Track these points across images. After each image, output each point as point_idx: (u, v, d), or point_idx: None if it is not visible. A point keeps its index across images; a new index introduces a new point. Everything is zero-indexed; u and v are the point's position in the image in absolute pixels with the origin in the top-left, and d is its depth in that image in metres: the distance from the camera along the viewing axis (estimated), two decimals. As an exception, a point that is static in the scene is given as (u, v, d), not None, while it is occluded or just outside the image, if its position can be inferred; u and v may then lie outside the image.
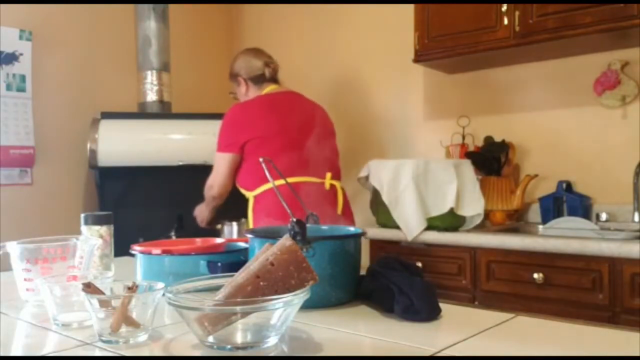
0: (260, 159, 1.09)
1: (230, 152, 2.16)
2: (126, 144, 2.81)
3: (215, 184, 2.22)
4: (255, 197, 2.14)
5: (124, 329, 0.74)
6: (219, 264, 1.03)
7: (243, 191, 2.21)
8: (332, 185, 2.15)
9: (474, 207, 2.17)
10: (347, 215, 2.19)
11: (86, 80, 3.10)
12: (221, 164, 2.18)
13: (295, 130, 2.15)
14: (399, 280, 0.88)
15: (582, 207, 2.26)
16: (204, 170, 2.84)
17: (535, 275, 1.90)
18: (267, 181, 2.07)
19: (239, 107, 2.25)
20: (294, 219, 0.87)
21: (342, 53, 3.18)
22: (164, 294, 0.74)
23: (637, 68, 2.27)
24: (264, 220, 2.05)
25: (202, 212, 2.40)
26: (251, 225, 2.17)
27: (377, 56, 3.06)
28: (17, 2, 2.83)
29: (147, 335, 0.77)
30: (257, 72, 2.33)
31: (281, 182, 1.20)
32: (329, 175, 2.15)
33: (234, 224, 2.48)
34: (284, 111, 2.21)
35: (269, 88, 2.32)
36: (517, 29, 2.20)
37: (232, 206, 2.40)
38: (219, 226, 2.48)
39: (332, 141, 2.31)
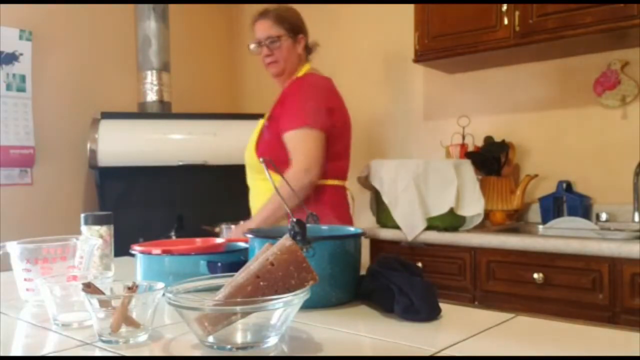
0: (261, 159, 1.08)
1: (321, 129, 1.79)
2: (126, 144, 2.81)
3: (313, 165, 1.75)
4: (326, 187, 1.85)
5: (123, 329, 0.74)
6: (219, 264, 1.03)
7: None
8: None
9: (474, 207, 2.17)
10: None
11: (86, 80, 3.10)
12: (316, 143, 1.77)
13: (350, 127, 2.02)
14: (399, 280, 0.88)
15: (582, 207, 2.26)
16: (204, 170, 2.84)
17: (535, 275, 1.90)
18: (343, 178, 1.96)
19: (326, 80, 1.93)
20: (294, 219, 0.87)
21: (342, 53, 3.18)
22: (164, 294, 0.74)
23: (637, 68, 2.27)
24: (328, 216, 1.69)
25: (273, 215, 1.78)
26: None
27: (377, 56, 3.06)
28: (17, 2, 2.83)
29: (147, 335, 0.77)
30: (309, 40, 2.01)
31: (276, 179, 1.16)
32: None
33: (233, 226, 2.47)
34: (344, 104, 2.01)
35: (308, 67, 2.00)
36: (517, 29, 2.20)
37: (232, 207, 2.41)
38: (217, 229, 2.47)
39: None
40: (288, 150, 1.80)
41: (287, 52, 1.92)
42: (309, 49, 2.00)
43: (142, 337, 0.76)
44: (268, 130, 1.89)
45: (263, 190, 1.88)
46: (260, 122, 1.99)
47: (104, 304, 0.75)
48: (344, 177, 1.99)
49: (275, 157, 1.46)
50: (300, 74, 1.95)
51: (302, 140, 1.77)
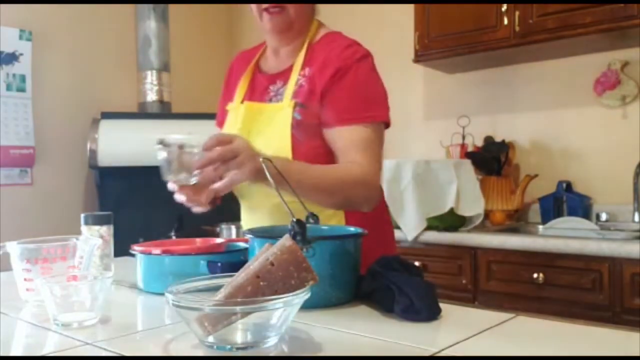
0: (261, 159, 0.95)
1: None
2: (126, 144, 2.81)
3: (379, 167, 1.23)
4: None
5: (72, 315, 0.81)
6: (219, 264, 1.03)
7: None
8: None
9: (474, 207, 2.17)
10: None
11: (86, 80, 3.10)
12: (382, 140, 1.25)
13: None
14: (399, 280, 0.88)
15: (582, 207, 2.26)
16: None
17: (535, 275, 1.90)
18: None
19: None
20: (294, 219, 0.87)
21: (342, 53, 3.17)
22: (163, 294, 0.74)
23: (637, 68, 2.27)
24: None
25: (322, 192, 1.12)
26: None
27: (377, 56, 3.04)
28: (17, 2, 2.83)
29: (97, 319, 0.85)
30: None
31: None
32: None
33: (233, 226, 2.47)
34: None
35: (318, 24, 1.42)
36: (517, 29, 2.20)
37: (232, 207, 2.40)
38: (217, 229, 2.47)
39: None
40: (340, 148, 1.20)
41: (299, 16, 1.29)
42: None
43: (92, 321, 0.84)
44: (304, 130, 1.22)
45: (268, 205, 1.25)
46: (258, 108, 1.29)
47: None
48: None
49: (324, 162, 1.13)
50: (312, 36, 1.34)
51: (372, 141, 1.21)
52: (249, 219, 1.38)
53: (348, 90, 1.23)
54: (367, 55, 1.34)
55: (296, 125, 1.21)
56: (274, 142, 1.20)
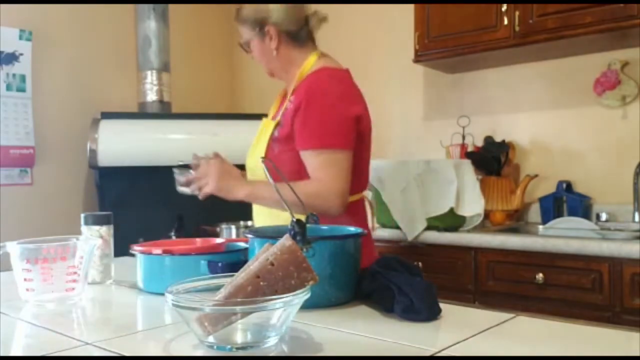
0: (261, 158, 1.05)
1: (350, 149, 1.44)
2: (126, 144, 2.81)
3: (345, 191, 1.41)
4: (350, 204, 1.47)
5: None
6: (219, 264, 1.03)
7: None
8: None
9: (474, 207, 2.17)
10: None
11: (86, 80, 3.10)
12: (346, 164, 1.42)
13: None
14: (399, 280, 0.88)
15: (582, 207, 2.26)
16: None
17: (536, 275, 1.90)
18: (364, 188, 1.59)
19: (343, 75, 1.53)
20: (294, 219, 0.87)
21: (342, 53, 3.17)
22: (163, 294, 0.74)
23: (637, 68, 2.27)
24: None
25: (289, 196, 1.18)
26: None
27: (377, 56, 3.06)
28: (17, 2, 2.83)
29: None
30: (298, 25, 1.54)
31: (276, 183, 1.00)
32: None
33: (233, 227, 2.47)
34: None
35: (316, 55, 1.57)
36: (517, 29, 2.20)
37: (232, 207, 2.40)
38: (217, 229, 2.47)
39: None
40: (308, 168, 1.43)
41: (260, 53, 1.56)
42: (300, 34, 1.55)
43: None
44: (279, 143, 1.48)
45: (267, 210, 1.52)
46: (264, 124, 1.59)
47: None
48: (365, 187, 1.63)
49: (289, 173, 1.32)
50: (307, 68, 1.53)
51: (328, 163, 1.41)
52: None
53: (304, 121, 1.43)
54: (327, 90, 1.47)
55: (273, 140, 1.50)
56: (258, 151, 1.53)
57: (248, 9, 1.55)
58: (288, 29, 1.53)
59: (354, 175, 1.46)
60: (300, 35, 1.56)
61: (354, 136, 1.46)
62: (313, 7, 1.62)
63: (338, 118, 1.43)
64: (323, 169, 1.40)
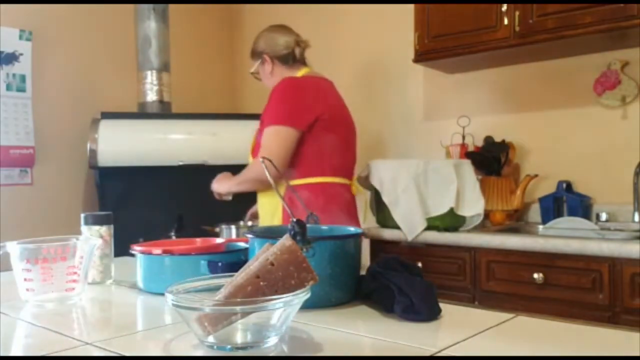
0: (261, 159, 1.07)
1: (294, 126, 1.86)
2: (126, 144, 2.81)
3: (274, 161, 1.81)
4: (306, 186, 1.89)
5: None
6: (219, 264, 1.03)
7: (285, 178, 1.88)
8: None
9: (474, 207, 2.17)
10: (355, 218, 2.14)
11: (86, 80, 3.10)
12: (278, 138, 1.85)
13: (349, 121, 2.06)
14: (399, 280, 0.88)
15: (582, 207, 2.26)
16: (204, 170, 2.84)
17: (535, 275, 1.90)
18: (327, 174, 1.94)
19: (304, 79, 1.99)
20: (294, 219, 0.87)
21: (342, 53, 3.18)
22: (163, 294, 0.74)
23: (637, 68, 2.27)
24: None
25: (228, 187, 2.05)
26: (279, 219, 1.94)
27: (377, 56, 3.06)
28: (17, 2, 2.83)
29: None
30: (284, 50, 2.08)
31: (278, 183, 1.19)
32: (354, 177, 2.12)
33: (233, 226, 2.47)
34: (336, 98, 2.05)
35: (305, 71, 2.09)
36: (517, 29, 2.20)
37: (232, 207, 2.40)
38: (217, 229, 2.47)
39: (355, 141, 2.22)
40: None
41: (263, 76, 2.15)
42: (289, 57, 2.08)
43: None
44: (259, 133, 1.96)
45: (266, 194, 2.03)
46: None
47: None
48: (341, 174, 1.99)
49: None
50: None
51: (266, 137, 1.88)
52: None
53: (264, 110, 1.97)
54: (283, 80, 1.94)
55: (257, 133, 1.99)
56: (252, 140, 2.09)
57: (253, 46, 2.15)
58: (278, 55, 2.08)
59: (312, 157, 1.88)
60: (288, 59, 2.08)
61: (302, 120, 1.87)
62: (295, 35, 2.12)
63: (283, 103, 1.89)
64: (264, 141, 1.88)
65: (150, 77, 3.17)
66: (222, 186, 2.06)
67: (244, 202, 2.25)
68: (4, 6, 2.77)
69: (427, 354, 0.69)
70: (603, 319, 1.76)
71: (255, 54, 2.14)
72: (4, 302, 1.01)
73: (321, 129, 1.89)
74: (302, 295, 0.70)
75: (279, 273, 0.71)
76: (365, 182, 2.39)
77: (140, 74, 3.22)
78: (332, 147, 1.92)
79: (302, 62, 2.10)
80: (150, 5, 3.16)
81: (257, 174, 1.91)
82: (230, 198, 2.11)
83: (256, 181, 1.94)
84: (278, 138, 1.85)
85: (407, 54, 2.66)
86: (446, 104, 2.81)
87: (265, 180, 1.64)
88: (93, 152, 2.71)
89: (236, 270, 0.77)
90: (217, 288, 0.76)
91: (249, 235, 1.00)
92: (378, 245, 2.32)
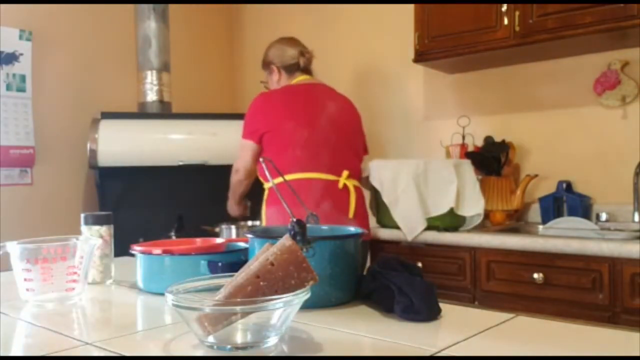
0: (261, 159, 1.10)
1: (251, 140, 2.18)
2: (126, 144, 2.81)
3: (240, 167, 2.22)
4: (269, 189, 2.18)
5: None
6: (219, 264, 1.03)
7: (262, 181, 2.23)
8: (345, 185, 2.11)
9: (474, 207, 2.17)
10: (359, 215, 2.14)
11: (86, 80, 3.10)
12: (245, 149, 2.20)
13: (315, 123, 2.13)
14: (399, 280, 0.88)
15: (582, 207, 2.26)
16: (204, 170, 2.84)
17: (535, 275, 1.90)
18: (275, 176, 2.01)
19: (262, 97, 2.24)
20: (294, 219, 0.87)
21: (342, 53, 3.18)
22: (163, 294, 0.74)
23: (637, 68, 2.27)
24: (273, 215, 2.06)
25: (231, 207, 2.41)
26: (263, 217, 2.18)
27: (377, 56, 3.06)
28: (17, 2, 2.83)
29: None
30: (290, 61, 2.31)
31: (279, 180, 1.20)
32: (345, 173, 2.11)
33: (233, 227, 2.47)
34: (307, 103, 2.20)
35: (300, 78, 2.30)
36: (517, 29, 2.20)
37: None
38: (217, 229, 2.47)
39: (357, 139, 2.29)
40: None
41: (272, 86, 2.37)
42: (294, 66, 2.31)
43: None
44: None
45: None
46: None
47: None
48: (289, 170, 2.05)
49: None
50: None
51: (239, 146, 2.22)
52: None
53: None
54: (256, 99, 2.23)
55: None
56: None
57: (263, 56, 2.38)
58: (285, 65, 2.30)
59: (274, 157, 1.99)
60: (293, 68, 2.30)
61: (258, 130, 2.15)
62: (302, 47, 2.33)
63: (246, 118, 2.21)
64: (239, 151, 2.22)
65: (150, 77, 3.17)
66: (229, 209, 2.42)
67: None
68: (4, 6, 2.77)
69: (427, 354, 0.69)
70: (603, 319, 1.76)
71: (265, 64, 2.38)
72: (4, 302, 1.01)
73: (270, 139, 2.15)
74: (302, 295, 0.70)
75: (279, 273, 0.71)
76: (366, 182, 2.39)
77: (140, 74, 3.21)
78: (284, 144, 2.12)
79: (304, 71, 2.31)
80: (150, 5, 3.16)
81: (231, 183, 2.30)
82: (249, 203, 2.44)
83: (232, 189, 2.32)
84: (241, 150, 2.20)
85: (407, 54, 2.66)
86: (446, 104, 2.81)
87: (235, 185, 2.29)
88: (93, 152, 2.71)
89: (236, 270, 0.77)
90: (217, 288, 0.76)
91: (249, 235, 1.00)
92: (378, 245, 2.32)
